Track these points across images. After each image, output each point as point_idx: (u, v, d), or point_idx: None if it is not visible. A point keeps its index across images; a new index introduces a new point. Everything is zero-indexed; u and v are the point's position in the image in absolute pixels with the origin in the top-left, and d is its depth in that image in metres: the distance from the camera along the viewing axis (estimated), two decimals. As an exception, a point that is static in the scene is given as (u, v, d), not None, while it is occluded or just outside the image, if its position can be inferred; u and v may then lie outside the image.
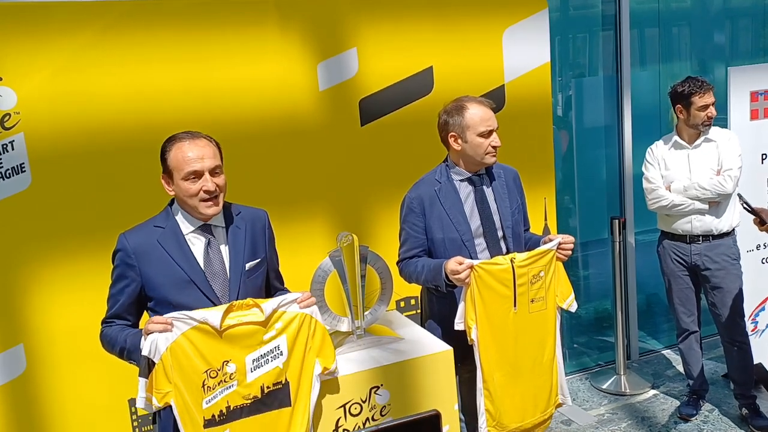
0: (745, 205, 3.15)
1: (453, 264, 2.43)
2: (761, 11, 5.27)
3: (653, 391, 4.30)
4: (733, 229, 3.68)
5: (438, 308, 2.74)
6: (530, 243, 2.76)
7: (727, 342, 3.77)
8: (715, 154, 3.60)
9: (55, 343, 2.84)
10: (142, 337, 1.98)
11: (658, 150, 3.75)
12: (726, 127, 3.80)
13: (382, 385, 2.27)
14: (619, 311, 4.38)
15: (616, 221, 4.27)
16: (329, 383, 2.19)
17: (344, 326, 2.47)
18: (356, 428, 2.23)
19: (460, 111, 2.63)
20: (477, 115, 2.61)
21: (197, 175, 2.10)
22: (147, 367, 1.97)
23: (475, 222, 2.67)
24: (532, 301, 2.53)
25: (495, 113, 2.67)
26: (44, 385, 2.85)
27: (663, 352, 4.88)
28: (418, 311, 3.08)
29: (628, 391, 4.31)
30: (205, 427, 1.99)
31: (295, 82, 3.16)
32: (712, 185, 3.54)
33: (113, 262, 2.18)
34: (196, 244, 2.18)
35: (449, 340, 2.47)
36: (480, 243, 2.67)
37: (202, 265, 2.16)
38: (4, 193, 2.73)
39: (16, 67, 2.69)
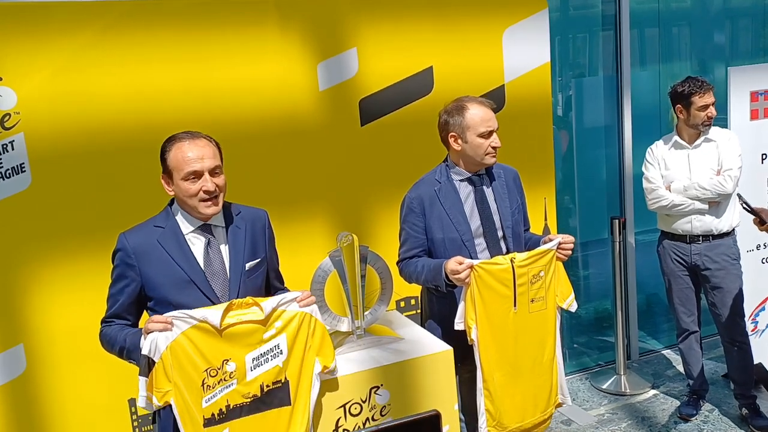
0: (744, 205, 3.15)
1: (453, 264, 2.43)
2: (761, 11, 5.27)
3: (653, 391, 4.30)
4: (733, 229, 3.68)
5: (438, 308, 2.74)
6: (530, 243, 2.76)
7: (727, 342, 3.77)
8: (715, 154, 3.60)
9: (55, 343, 2.84)
10: (142, 336, 1.98)
11: (658, 150, 3.75)
12: (726, 127, 3.80)
13: (382, 385, 2.27)
14: (619, 311, 4.38)
15: (616, 221, 4.27)
16: (329, 383, 2.19)
17: (344, 326, 2.47)
18: (356, 428, 2.23)
19: (460, 111, 2.63)
20: (477, 115, 2.61)
21: (197, 175, 2.10)
22: (147, 366, 1.97)
23: (475, 222, 2.67)
24: (532, 300, 2.53)
25: (495, 113, 2.67)
26: (44, 385, 2.85)
27: (663, 352, 4.88)
28: (418, 311, 3.08)
29: (628, 391, 4.31)
30: (204, 426, 2.00)
31: (295, 82, 3.16)
32: (712, 185, 3.54)
33: (113, 262, 2.18)
34: (196, 244, 2.18)
35: (449, 340, 2.47)
36: (480, 243, 2.67)
37: (202, 265, 2.16)
38: (4, 193, 2.73)
39: (16, 67, 2.69)
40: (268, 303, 2.07)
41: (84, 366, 2.86)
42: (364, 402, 2.25)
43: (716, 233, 3.63)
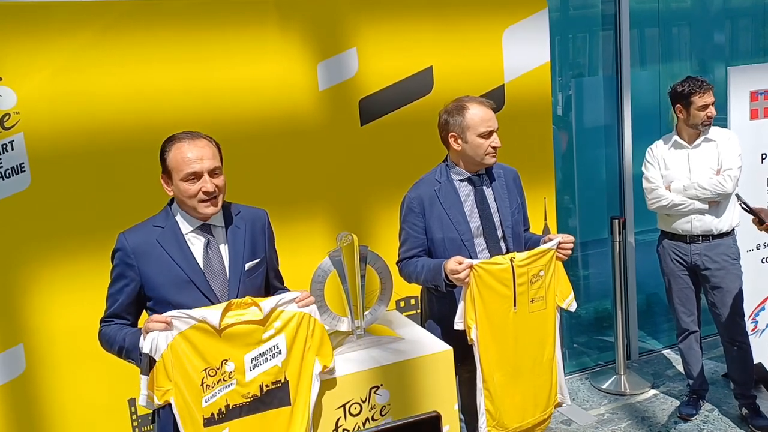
0: (743, 205, 3.15)
1: (452, 264, 2.43)
2: (761, 11, 5.27)
3: (653, 391, 4.30)
4: (733, 229, 3.68)
5: (438, 308, 2.74)
6: (530, 243, 2.76)
7: (727, 342, 3.77)
8: (714, 153, 3.60)
9: (55, 343, 2.84)
10: (142, 336, 1.98)
11: (658, 150, 3.75)
12: (726, 127, 3.81)
13: (381, 385, 2.27)
14: (619, 311, 4.38)
15: (616, 221, 4.27)
16: (329, 383, 2.19)
17: (344, 326, 2.47)
18: (356, 428, 2.23)
19: (460, 111, 2.63)
20: (477, 115, 2.61)
21: (196, 176, 2.10)
22: (148, 365, 1.97)
23: (474, 222, 2.67)
24: (532, 300, 2.53)
25: (495, 113, 2.67)
26: (44, 385, 2.85)
27: (663, 351, 4.88)
28: (418, 311, 3.08)
29: (628, 390, 4.31)
30: (204, 426, 2.00)
31: (295, 82, 3.16)
32: (712, 185, 3.54)
33: (112, 262, 2.18)
34: (196, 244, 2.18)
35: (449, 340, 2.47)
36: (480, 243, 2.67)
37: (201, 265, 2.16)
38: (3, 193, 2.73)
39: (16, 67, 2.69)
40: (267, 303, 2.07)
41: (84, 366, 2.86)
42: (363, 402, 2.25)
43: (716, 233, 3.63)
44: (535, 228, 3.33)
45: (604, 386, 4.38)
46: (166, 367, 1.96)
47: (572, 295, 2.63)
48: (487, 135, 2.62)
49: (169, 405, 1.98)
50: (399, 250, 2.75)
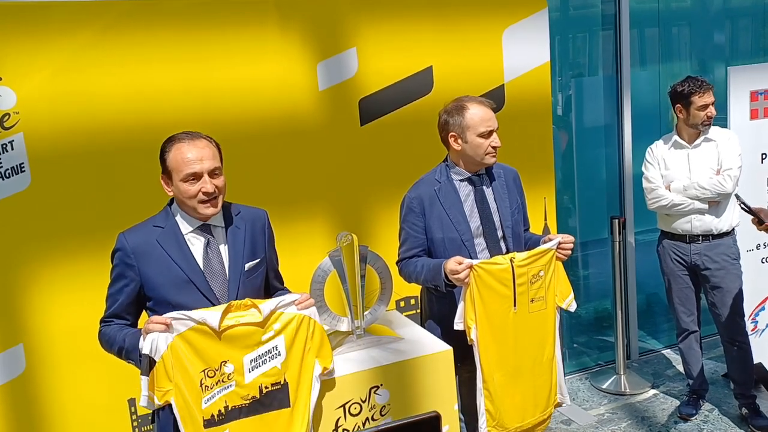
0: (742, 206, 3.15)
1: (452, 264, 2.43)
2: (761, 11, 5.27)
3: (653, 391, 4.30)
4: (733, 229, 3.68)
5: (438, 308, 2.74)
6: (530, 243, 2.76)
7: (727, 342, 3.77)
8: (714, 153, 3.60)
9: (55, 343, 2.84)
10: (141, 337, 1.98)
11: (658, 150, 3.75)
12: (726, 127, 3.81)
13: (381, 384, 2.27)
14: (619, 311, 4.38)
15: (616, 221, 4.27)
16: (328, 383, 2.19)
17: (344, 326, 2.47)
18: (356, 428, 2.23)
19: (460, 111, 2.63)
20: (477, 115, 2.61)
21: (196, 176, 2.09)
22: (149, 365, 1.97)
23: (474, 222, 2.67)
24: (532, 300, 2.53)
25: (495, 113, 2.67)
26: (44, 385, 2.86)
27: (663, 351, 4.88)
28: (418, 311, 3.08)
29: (628, 390, 4.31)
30: (205, 427, 1.99)
31: (295, 82, 3.16)
32: (712, 185, 3.54)
33: (112, 262, 2.18)
34: (196, 244, 2.18)
35: (449, 340, 2.47)
36: (480, 243, 2.67)
37: (201, 265, 2.16)
38: (3, 193, 2.73)
39: (16, 67, 2.69)
40: (267, 305, 2.06)
41: (84, 366, 2.86)
42: (363, 402, 2.25)
43: (716, 233, 3.63)
44: (535, 228, 3.33)
45: (604, 386, 4.39)
46: (166, 367, 1.96)
47: (572, 295, 2.63)
48: (487, 135, 2.62)
49: (170, 406, 1.98)
50: (399, 250, 2.75)
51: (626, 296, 4.57)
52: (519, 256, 2.49)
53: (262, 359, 2.05)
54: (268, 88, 3.11)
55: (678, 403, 4.08)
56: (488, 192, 2.72)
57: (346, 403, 2.22)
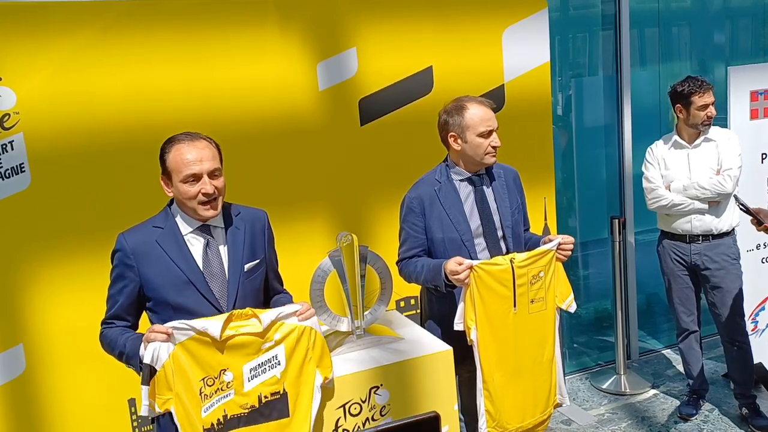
0: (741, 207, 3.15)
1: (452, 264, 2.43)
2: (761, 11, 5.27)
3: (653, 391, 4.30)
4: (733, 229, 3.68)
5: (438, 308, 2.74)
6: (530, 243, 2.76)
7: (727, 342, 3.77)
8: (714, 153, 3.60)
9: (55, 343, 2.84)
10: (142, 345, 1.97)
11: (658, 150, 3.75)
12: (726, 127, 3.80)
13: (381, 385, 2.27)
14: (619, 311, 4.38)
15: (616, 221, 4.27)
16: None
17: (344, 326, 2.47)
18: (356, 428, 2.23)
19: (460, 111, 2.63)
20: (477, 115, 2.61)
21: (196, 177, 2.09)
22: (149, 374, 1.96)
23: (474, 222, 2.67)
24: (532, 301, 2.53)
25: (495, 113, 2.67)
26: (44, 385, 2.85)
27: (663, 351, 4.88)
28: (418, 311, 3.08)
29: (628, 390, 4.31)
30: None
31: (295, 82, 3.16)
32: (712, 185, 3.54)
33: (112, 262, 2.18)
34: (195, 245, 2.17)
35: (449, 340, 2.47)
36: (480, 243, 2.67)
37: (200, 266, 2.16)
38: (3, 193, 2.73)
39: (15, 67, 2.69)
40: (267, 315, 2.05)
41: (84, 366, 2.86)
42: (363, 402, 2.25)
43: (716, 233, 3.63)
44: (535, 228, 3.33)
45: (604, 386, 4.39)
46: (167, 376, 1.95)
47: (572, 296, 2.63)
48: (487, 134, 2.62)
49: (170, 413, 1.97)
50: (399, 250, 2.75)
51: (626, 296, 4.57)
52: (519, 257, 2.49)
53: (262, 368, 2.03)
54: (268, 88, 3.11)
55: (678, 403, 4.08)
56: (488, 192, 2.72)
57: (346, 403, 2.22)
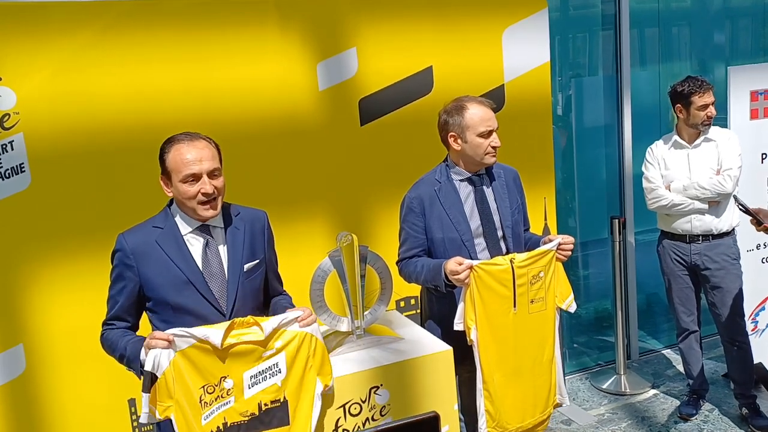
0: (740, 207, 3.15)
1: (452, 264, 2.43)
2: (761, 11, 5.27)
3: (653, 391, 4.30)
4: (733, 229, 3.68)
5: (438, 308, 2.74)
6: (530, 243, 2.76)
7: (727, 341, 3.77)
8: (714, 153, 3.60)
9: (55, 343, 2.84)
10: (143, 351, 1.96)
11: (658, 149, 3.75)
12: (726, 127, 3.80)
13: (381, 385, 2.27)
14: (619, 311, 4.38)
15: (616, 221, 4.27)
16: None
17: (344, 326, 2.47)
18: (356, 428, 2.23)
19: (460, 111, 2.63)
20: (477, 115, 2.61)
21: (195, 177, 2.09)
22: (150, 381, 1.95)
23: (474, 222, 2.67)
24: (532, 301, 2.52)
25: (495, 113, 2.67)
26: (44, 385, 2.86)
27: (663, 351, 4.88)
28: (418, 311, 3.08)
29: (628, 390, 4.31)
30: None
31: (295, 82, 3.16)
32: (712, 185, 3.54)
33: (112, 263, 2.18)
34: (195, 245, 2.17)
35: (449, 340, 2.47)
36: (480, 243, 2.67)
37: (200, 266, 2.16)
38: (3, 193, 2.73)
39: (15, 67, 2.69)
40: (269, 323, 2.03)
41: (84, 366, 2.86)
42: (363, 402, 2.25)
43: (716, 233, 3.63)
44: (535, 228, 3.33)
45: (604, 386, 4.39)
46: (167, 384, 1.94)
47: (572, 296, 2.63)
48: (487, 134, 2.62)
49: (171, 420, 1.96)
50: (399, 250, 2.75)
51: (626, 296, 4.57)
52: (519, 257, 2.49)
53: (262, 376, 2.02)
54: (268, 88, 3.11)
55: (678, 403, 4.08)
56: (488, 192, 2.72)
57: (346, 403, 2.22)
